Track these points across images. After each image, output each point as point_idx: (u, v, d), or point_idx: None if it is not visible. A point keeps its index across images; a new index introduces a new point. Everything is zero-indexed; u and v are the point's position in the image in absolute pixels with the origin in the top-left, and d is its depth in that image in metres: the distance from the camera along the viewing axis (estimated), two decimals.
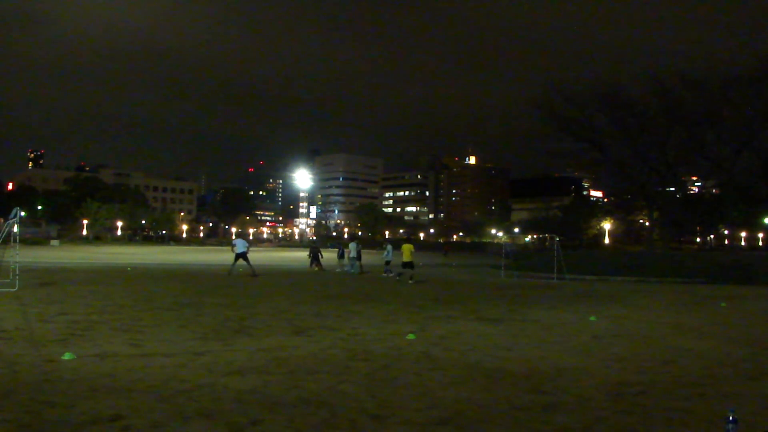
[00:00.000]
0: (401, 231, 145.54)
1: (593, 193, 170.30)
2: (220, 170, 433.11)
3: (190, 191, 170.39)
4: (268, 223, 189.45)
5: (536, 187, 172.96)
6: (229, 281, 19.54)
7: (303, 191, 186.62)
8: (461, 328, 10.46)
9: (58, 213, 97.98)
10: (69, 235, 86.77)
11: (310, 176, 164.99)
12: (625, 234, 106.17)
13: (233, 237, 29.37)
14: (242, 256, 21.40)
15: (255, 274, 21.10)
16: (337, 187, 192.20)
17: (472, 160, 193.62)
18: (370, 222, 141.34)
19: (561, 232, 52.57)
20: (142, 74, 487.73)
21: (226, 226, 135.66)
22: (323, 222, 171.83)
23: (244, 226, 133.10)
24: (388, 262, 25.10)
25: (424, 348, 8.35)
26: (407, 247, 21.94)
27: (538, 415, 5.30)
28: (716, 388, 6.44)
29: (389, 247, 26.28)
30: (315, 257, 29.15)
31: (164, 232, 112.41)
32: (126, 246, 73.54)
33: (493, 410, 5.43)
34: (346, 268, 26.30)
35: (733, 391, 6.30)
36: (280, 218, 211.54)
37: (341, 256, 29.52)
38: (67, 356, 7.06)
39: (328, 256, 33.02)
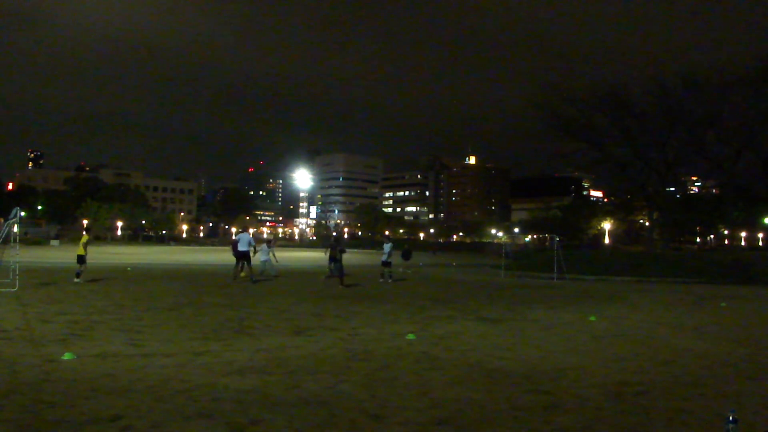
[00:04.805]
0: (401, 231, 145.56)
1: (593, 193, 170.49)
2: (220, 170, 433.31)
3: (190, 191, 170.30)
4: (268, 223, 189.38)
5: (536, 187, 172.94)
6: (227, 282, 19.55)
7: (303, 191, 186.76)
8: (461, 328, 10.46)
9: (58, 213, 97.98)
10: (69, 235, 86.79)
11: (310, 176, 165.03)
12: (625, 234, 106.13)
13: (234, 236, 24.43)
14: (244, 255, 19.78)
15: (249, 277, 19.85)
16: (337, 187, 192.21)
17: (472, 160, 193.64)
18: (370, 222, 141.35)
19: (561, 232, 52.55)
20: (142, 74, 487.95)
21: (226, 226, 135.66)
22: (323, 222, 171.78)
23: (244, 226, 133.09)
24: (388, 263, 22.18)
25: (424, 348, 8.35)
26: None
27: (538, 415, 5.30)
28: (716, 388, 6.44)
29: (387, 246, 22.76)
30: (407, 256, 29.41)
31: (164, 232, 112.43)
32: (126, 246, 73.53)
33: (493, 410, 5.43)
34: (261, 268, 22.49)
35: (733, 391, 6.30)
36: (280, 218, 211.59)
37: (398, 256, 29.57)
38: (67, 356, 7.06)
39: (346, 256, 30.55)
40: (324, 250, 24.22)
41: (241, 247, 18.92)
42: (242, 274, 19.78)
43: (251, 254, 19.61)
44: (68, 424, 4.74)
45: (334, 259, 19.44)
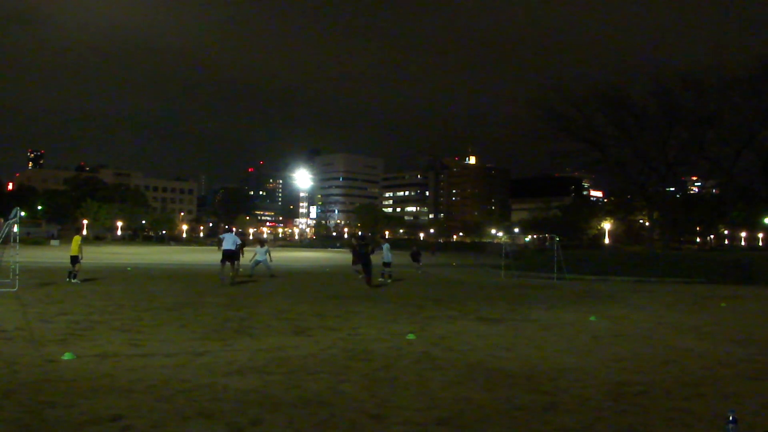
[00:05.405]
0: (401, 231, 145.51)
1: (593, 193, 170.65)
2: (220, 170, 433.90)
3: (190, 191, 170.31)
4: (268, 223, 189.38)
5: (536, 187, 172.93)
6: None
7: (303, 191, 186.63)
8: (461, 328, 10.46)
9: (58, 213, 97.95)
10: (69, 235, 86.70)
11: (310, 176, 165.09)
12: (625, 234, 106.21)
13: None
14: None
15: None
16: (337, 187, 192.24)
17: (472, 160, 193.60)
18: (370, 222, 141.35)
19: (561, 232, 52.53)
20: (142, 74, 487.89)
21: (226, 226, 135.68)
22: (323, 222, 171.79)
23: (244, 226, 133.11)
24: (387, 263, 22.34)
25: (424, 348, 8.34)
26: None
27: (538, 415, 5.30)
28: (716, 388, 6.44)
29: (385, 247, 23.14)
30: (416, 257, 29.35)
31: (164, 232, 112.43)
32: (126, 246, 73.52)
33: (493, 410, 5.43)
34: (251, 271, 22.34)
35: (733, 391, 6.30)
36: (280, 218, 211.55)
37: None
38: (67, 356, 7.06)
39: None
40: (349, 250, 24.16)
41: (226, 246, 18.09)
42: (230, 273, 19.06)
43: (240, 253, 18.73)
44: (68, 424, 4.74)
45: (366, 258, 19.23)
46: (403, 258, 33.17)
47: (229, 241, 18.32)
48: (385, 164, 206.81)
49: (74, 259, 17.89)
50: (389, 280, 21.43)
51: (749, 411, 5.51)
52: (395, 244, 41.58)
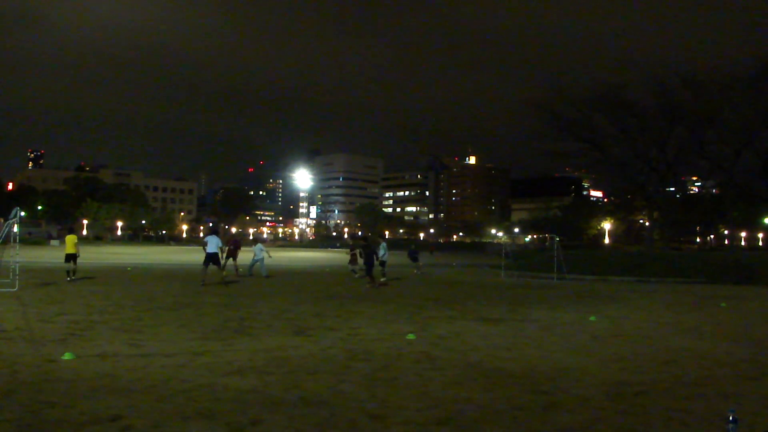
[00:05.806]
0: (401, 231, 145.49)
1: (593, 193, 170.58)
2: (220, 170, 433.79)
3: (190, 191, 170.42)
4: (268, 223, 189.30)
5: (536, 187, 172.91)
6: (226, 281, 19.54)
7: (303, 191, 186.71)
8: (461, 328, 10.46)
9: (58, 213, 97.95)
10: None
11: (310, 176, 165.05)
12: (625, 234, 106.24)
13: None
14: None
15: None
16: (337, 187, 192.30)
17: (472, 160, 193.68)
18: (370, 222, 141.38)
19: (561, 232, 52.49)
20: (142, 74, 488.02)
21: (226, 226, 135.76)
22: (323, 222, 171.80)
23: (244, 226, 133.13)
24: (383, 263, 22.25)
25: (424, 348, 8.34)
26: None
27: (538, 415, 5.30)
28: (716, 388, 6.44)
29: (383, 247, 23.08)
30: (414, 257, 29.13)
31: (164, 232, 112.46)
32: (126, 246, 73.52)
33: (493, 410, 5.43)
34: (250, 270, 22.40)
35: (733, 391, 6.30)
36: (280, 218, 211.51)
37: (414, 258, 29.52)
38: (67, 356, 7.06)
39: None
40: (348, 250, 24.40)
41: (209, 249, 18.07)
42: (224, 273, 18.90)
43: (220, 256, 18.67)
44: (68, 424, 4.74)
45: (371, 259, 19.37)
46: (402, 258, 33.16)
47: (213, 244, 18.27)
48: (385, 164, 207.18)
49: (72, 258, 18.00)
50: (383, 279, 21.49)
51: (749, 411, 5.51)
52: (395, 244, 41.65)
